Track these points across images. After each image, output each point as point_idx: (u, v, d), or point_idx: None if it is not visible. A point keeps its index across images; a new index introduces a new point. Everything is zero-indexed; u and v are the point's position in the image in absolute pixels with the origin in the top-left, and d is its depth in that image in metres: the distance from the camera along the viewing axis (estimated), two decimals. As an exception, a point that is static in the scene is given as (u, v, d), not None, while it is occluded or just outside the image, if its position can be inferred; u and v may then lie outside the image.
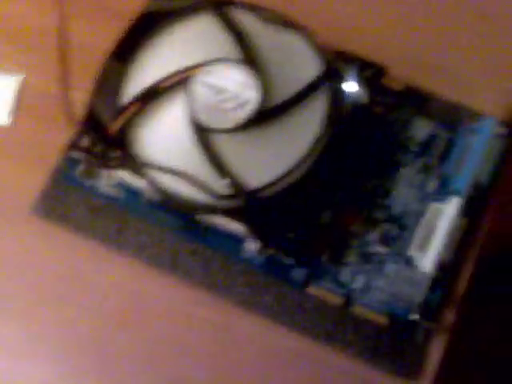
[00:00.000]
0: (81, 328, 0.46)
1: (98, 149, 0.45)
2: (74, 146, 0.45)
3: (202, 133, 0.44)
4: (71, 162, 0.48)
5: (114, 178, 0.47)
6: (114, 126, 0.44)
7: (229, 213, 0.44)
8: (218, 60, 0.44)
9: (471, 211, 0.47)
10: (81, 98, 0.47)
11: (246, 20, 0.46)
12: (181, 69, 0.44)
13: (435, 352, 0.45)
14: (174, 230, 0.47)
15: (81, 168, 0.48)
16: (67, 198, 0.48)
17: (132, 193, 0.47)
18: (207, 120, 0.43)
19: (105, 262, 0.47)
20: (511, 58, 0.51)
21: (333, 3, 0.52)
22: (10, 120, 0.49)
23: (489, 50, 0.51)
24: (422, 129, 0.49)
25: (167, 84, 0.44)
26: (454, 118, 0.49)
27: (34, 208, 0.47)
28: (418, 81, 0.50)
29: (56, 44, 0.50)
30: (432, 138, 0.49)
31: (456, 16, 0.52)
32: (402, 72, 0.49)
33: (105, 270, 0.47)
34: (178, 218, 0.46)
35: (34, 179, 0.48)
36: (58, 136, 0.48)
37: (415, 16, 0.52)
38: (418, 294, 0.45)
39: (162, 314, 0.46)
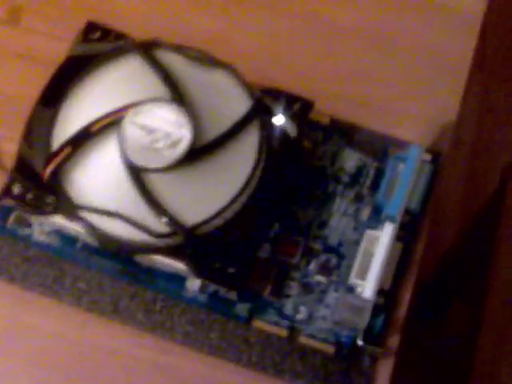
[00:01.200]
0: (23, 382, 0.44)
1: (31, 195, 0.44)
2: (6, 194, 0.44)
3: (137, 173, 0.44)
4: (3, 213, 0.47)
5: (48, 226, 0.46)
6: (46, 172, 0.44)
7: (168, 251, 0.43)
8: (148, 100, 0.44)
9: (405, 236, 0.47)
10: (10, 148, 0.47)
11: (173, 60, 0.47)
12: (111, 111, 0.44)
13: (383, 376, 0.45)
14: (113, 275, 0.46)
15: (13, 217, 0.47)
16: (1, 249, 0.47)
17: (67, 239, 0.46)
18: (141, 160, 0.43)
19: (44, 312, 0.46)
20: (430, 87, 0.52)
21: (256, 41, 0.53)
22: None
23: (408, 80, 0.53)
24: (350, 160, 0.50)
25: (98, 126, 0.44)
26: (381, 148, 0.50)
27: (-34, 262, 0.46)
28: (343, 113, 0.51)
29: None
30: (361, 169, 0.50)
31: (373, 49, 0.53)
32: (327, 106, 0.50)
33: (45, 321, 0.45)
34: (116, 262, 0.46)
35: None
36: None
37: (336, 50, 0.53)
38: (362, 321, 0.45)
39: (108, 360, 0.45)
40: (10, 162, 0.46)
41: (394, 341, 0.46)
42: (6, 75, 0.51)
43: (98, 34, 0.49)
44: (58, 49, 0.49)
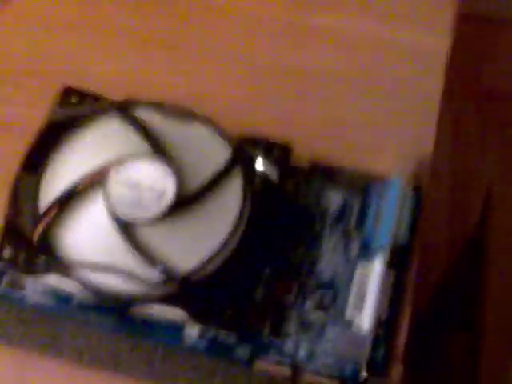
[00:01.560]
0: None
1: (22, 258, 0.44)
2: (-4, 259, 0.44)
3: (125, 227, 0.44)
4: (-5, 277, 0.47)
5: (41, 286, 0.46)
6: (36, 233, 0.44)
7: (164, 300, 0.43)
8: (130, 156, 0.45)
9: (397, 265, 0.48)
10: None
11: (151, 117, 0.47)
12: (94, 169, 0.45)
13: (390, 407, 0.45)
14: (111, 329, 0.46)
15: (6, 281, 0.47)
16: (-4, 314, 0.46)
17: (62, 298, 0.46)
18: (128, 214, 0.44)
19: (43, 372, 0.45)
20: (405, 123, 0.54)
21: (231, 93, 0.54)
22: None
23: (383, 118, 0.54)
24: (334, 199, 0.51)
25: (83, 186, 0.45)
26: (362, 185, 0.51)
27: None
28: (321, 155, 0.52)
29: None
30: (345, 206, 0.50)
31: (346, 90, 0.55)
32: (305, 149, 0.51)
33: (45, 381, 0.45)
34: (112, 317, 0.46)
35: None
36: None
37: (309, 95, 0.54)
38: (363, 353, 0.45)
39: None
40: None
41: (397, 370, 0.46)
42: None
43: (75, 98, 0.50)
44: (35, 116, 0.50)
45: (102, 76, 0.54)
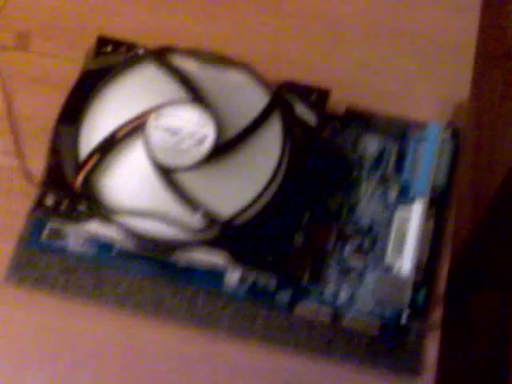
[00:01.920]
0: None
1: (65, 206, 0.44)
2: (39, 207, 0.45)
3: (166, 173, 0.44)
4: (37, 227, 0.47)
5: (82, 235, 0.46)
6: (78, 180, 0.44)
7: (205, 246, 0.44)
8: (169, 103, 0.45)
9: (435, 211, 0.48)
10: (38, 167, 0.47)
11: (187, 64, 0.47)
12: (134, 116, 0.45)
13: (430, 352, 0.45)
14: (152, 276, 0.46)
15: (47, 231, 0.47)
16: (39, 263, 0.47)
17: (103, 246, 0.47)
18: (168, 160, 0.44)
19: (88, 319, 0.46)
20: (440, 67, 0.53)
21: (264, 41, 0.54)
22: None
23: (418, 63, 0.53)
24: (371, 145, 0.50)
25: (123, 132, 0.45)
26: (399, 130, 0.51)
27: (7, 278, 0.46)
28: (357, 102, 0.51)
29: (1, 118, 0.50)
30: (383, 152, 0.50)
31: (380, 37, 0.54)
32: (341, 96, 0.50)
33: (90, 327, 0.46)
34: (153, 264, 0.46)
35: (2, 250, 0.47)
36: (18, 205, 0.48)
37: (344, 42, 0.54)
38: (403, 298, 0.45)
39: (156, 359, 0.45)
40: (38, 178, 0.47)
41: (437, 315, 0.46)
42: (23, 99, 0.51)
43: (109, 48, 0.50)
44: (70, 69, 0.50)
45: (134, 26, 0.54)
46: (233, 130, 0.45)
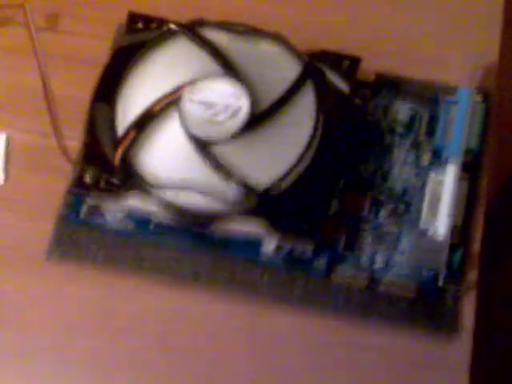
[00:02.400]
0: (125, 354, 0.46)
1: (103, 182, 0.45)
2: (79, 184, 0.45)
3: (202, 145, 0.45)
4: (76, 204, 0.48)
5: (119, 212, 0.47)
6: (116, 157, 0.45)
7: (244, 215, 0.44)
8: (203, 77, 0.46)
9: (468, 175, 0.48)
10: (73, 145, 0.48)
11: (219, 37, 0.48)
12: (169, 91, 0.45)
13: (467, 313, 0.46)
14: (190, 248, 0.47)
15: (85, 209, 0.48)
16: (78, 240, 0.48)
17: (141, 221, 0.48)
18: (204, 133, 0.45)
19: (128, 292, 0.47)
20: (468, 32, 0.53)
21: (290, 11, 0.54)
22: (3, 177, 0.50)
23: (446, 29, 0.54)
24: (402, 111, 0.51)
25: (159, 107, 0.45)
26: (430, 96, 0.51)
27: (48, 255, 0.47)
28: (387, 68, 0.52)
29: (38, 99, 0.51)
30: (414, 117, 0.50)
31: (408, 3, 0.54)
32: (370, 64, 0.51)
33: (130, 300, 0.47)
34: (190, 236, 0.47)
35: (43, 228, 0.48)
36: (57, 184, 0.49)
37: (370, 11, 0.54)
38: (440, 260, 0.46)
39: (195, 329, 0.46)
40: (76, 156, 0.48)
41: (473, 276, 0.46)
42: (59, 79, 0.52)
43: (140, 24, 0.50)
44: (102, 47, 0.51)
45: (164, 2, 0.54)
46: (267, 101, 0.46)
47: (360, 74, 0.50)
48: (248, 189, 0.44)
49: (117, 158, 0.45)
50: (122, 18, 0.51)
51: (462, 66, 0.52)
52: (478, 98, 0.50)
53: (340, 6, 0.54)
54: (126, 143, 0.45)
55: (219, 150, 0.45)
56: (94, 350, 0.46)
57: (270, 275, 0.47)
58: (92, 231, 0.48)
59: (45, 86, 0.51)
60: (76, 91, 0.50)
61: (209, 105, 0.45)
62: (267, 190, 0.44)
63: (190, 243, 0.47)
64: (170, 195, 0.44)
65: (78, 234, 0.48)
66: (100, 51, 0.50)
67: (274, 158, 0.45)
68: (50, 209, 0.48)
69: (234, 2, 0.54)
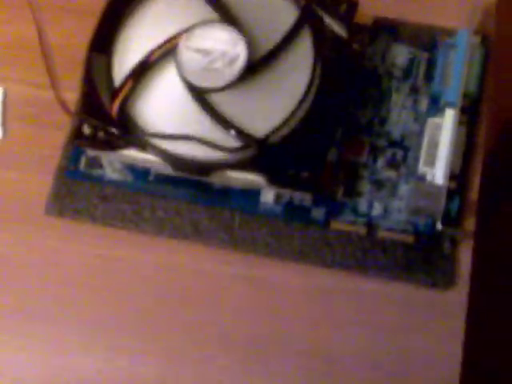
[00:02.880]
0: (127, 311, 0.46)
1: (102, 133, 0.45)
2: (77, 136, 0.45)
3: (200, 94, 0.44)
4: (74, 158, 0.48)
5: (118, 163, 0.47)
6: (114, 107, 0.45)
7: (241, 165, 0.44)
8: (199, 24, 0.45)
9: (467, 120, 0.48)
10: (70, 97, 0.48)
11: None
12: (165, 39, 0.45)
13: (464, 259, 0.46)
14: (188, 200, 0.47)
15: (84, 161, 0.48)
16: (77, 193, 0.48)
17: (139, 173, 0.48)
18: (202, 81, 0.44)
19: (128, 244, 0.47)
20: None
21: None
22: (2, 132, 0.49)
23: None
24: (400, 55, 0.50)
25: (155, 56, 0.45)
26: (428, 38, 0.51)
27: (47, 210, 0.48)
28: (385, 12, 0.51)
29: (34, 50, 0.50)
30: (412, 61, 0.50)
31: None
32: (367, 7, 0.50)
33: (130, 252, 0.47)
34: (189, 188, 0.47)
35: (41, 182, 0.48)
36: (54, 135, 0.49)
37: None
38: (437, 206, 0.46)
39: (196, 281, 0.47)
40: (74, 108, 0.47)
41: (471, 223, 0.47)
42: (54, 29, 0.51)
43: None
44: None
45: None
46: (264, 48, 0.45)
47: (358, 19, 0.49)
48: (246, 137, 0.44)
49: (114, 109, 0.45)
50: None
51: (461, 9, 0.51)
52: (477, 40, 0.49)
53: None
54: (123, 94, 0.45)
55: (217, 99, 0.44)
56: (93, 306, 0.46)
57: (268, 226, 0.47)
58: (91, 184, 0.48)
59: (40, 37, 0.50)
60: (72, 41, 0.50)
61: (206, 52, 0.45)
62: (265, 139, 0.44)
63: (189, 195, 0.47)
64: (168, 145, 0.44)
65: (77, 188, 0.48)
66: (97, 0, 0.49)
67: (272, 106, 0.45)
68: (49, 162, 0.48)
69: None
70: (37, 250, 0.47)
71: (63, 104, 0.47)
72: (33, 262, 0.47)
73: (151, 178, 0.48)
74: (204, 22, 0.45)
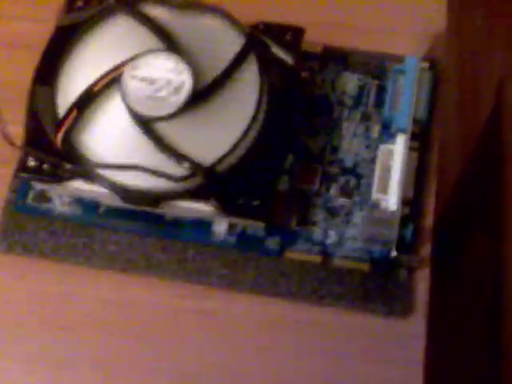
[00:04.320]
0: (76, 347, 0.45)
1: (47, 166, 0.44)
2: (22, 169, 0.44)
3: (146, 123, 0.44)
4: (22, 191, 0.47)
5: (67, 196, 0.46)
6: (58, 138, 0.44)
7: (191, 195, 0.44)
8: (144, 53, 0.45)
9: (418, 145, 0.48)
10: (17, 131, 0.46)
11: (160, 12, 0.47)
12: (109, 69, 0.44)
13: (421, 286, 0.45)
14: (140, 233, 0.46)
15: (32, 194, 0.47)
16: (26, 228, 0.47)
17: (89, 206, 0.47)
18: (147, 110, 0.44)
19: (79, 279, 0.46)
20: (416, 4, 0.53)
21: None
22: None
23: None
24: (350, 82, 0.50)
25: (100, 86, 0.44)
26: (378, 66, 0.51)
27: (-5, 247, 0.46)
28: (333, 40, 0.51)
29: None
30: (363, 89, 0.50)
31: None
32: (317, 35, 0.50)
33: (81, 288, 0.46)
34: (140, 220, 0.46)
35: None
36: (2, 171, 0.47)
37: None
38: (392, 233, 0.45)
39: (148, 315, 0.45)
40: (19, 142, 0.46)
41: (426, 250, 0.46)
42: (3, 64, 0.51)
43: (80, 2, 0.49)
44: (43, 30, 0.49)
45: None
46: (210, 76, 0.45)
47: (307, 47, 0.49)
48: (192, 165, 0.43)
49: (59, 140, 0.44)
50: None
51: (410, 37, 0.52)
52: (425, 65, 0.49)
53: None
54: (67, 124, 0.44)
55: (163, 128, 0.44)
56: (44, 346, 0.45)
57: (222, 258, 0.46)
58: (40, 218, 0.47)
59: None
60: (20, 76, 0.48)
61: (151, 81, 0.44)
62: (213, 167, 0.43)
63: (140, 227, 0.46)
64: (115, 175, 0.43)
65: (25, 222, 0.47)
66: (42, 34, 0.48)
67: (218, 134, 0.44)
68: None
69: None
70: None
71: (7, 137, 0.46)
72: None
73: (101, 210, 0.47)
74: (149, 51, 0.44)
